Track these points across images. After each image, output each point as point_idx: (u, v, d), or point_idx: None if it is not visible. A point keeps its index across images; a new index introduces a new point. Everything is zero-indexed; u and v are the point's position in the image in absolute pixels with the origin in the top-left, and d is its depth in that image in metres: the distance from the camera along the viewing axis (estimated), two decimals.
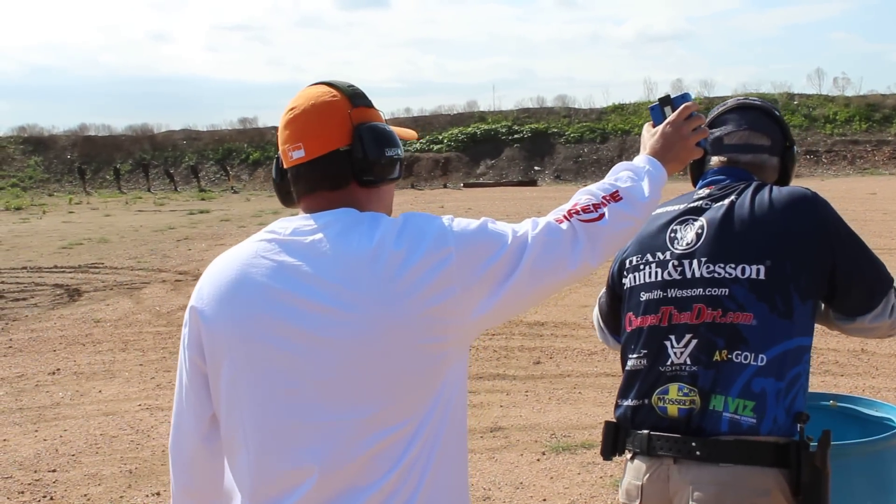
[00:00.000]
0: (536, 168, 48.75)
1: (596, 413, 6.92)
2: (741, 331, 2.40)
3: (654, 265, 2.60)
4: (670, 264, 2.56)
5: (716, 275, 2.47)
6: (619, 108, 54.01)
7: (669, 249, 2.58)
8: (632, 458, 2.59)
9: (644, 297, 2.60)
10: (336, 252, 1.82)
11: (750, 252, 2.45)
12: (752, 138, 2.74)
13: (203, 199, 39.51)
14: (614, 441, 2.64)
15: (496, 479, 5.66)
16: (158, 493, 5.64)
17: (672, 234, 2.60)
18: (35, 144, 53.02)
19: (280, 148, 1.99)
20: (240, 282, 1.89)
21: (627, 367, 2.62)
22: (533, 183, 44.31)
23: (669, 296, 2.54)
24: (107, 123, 58.16)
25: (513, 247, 1.88)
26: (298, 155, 1.93)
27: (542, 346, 9.21)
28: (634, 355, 2.60)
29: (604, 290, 2.93)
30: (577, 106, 56.86)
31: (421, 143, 52.69)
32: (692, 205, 2.63)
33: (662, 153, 2.24)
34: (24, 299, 13.36)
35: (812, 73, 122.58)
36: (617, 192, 2.06)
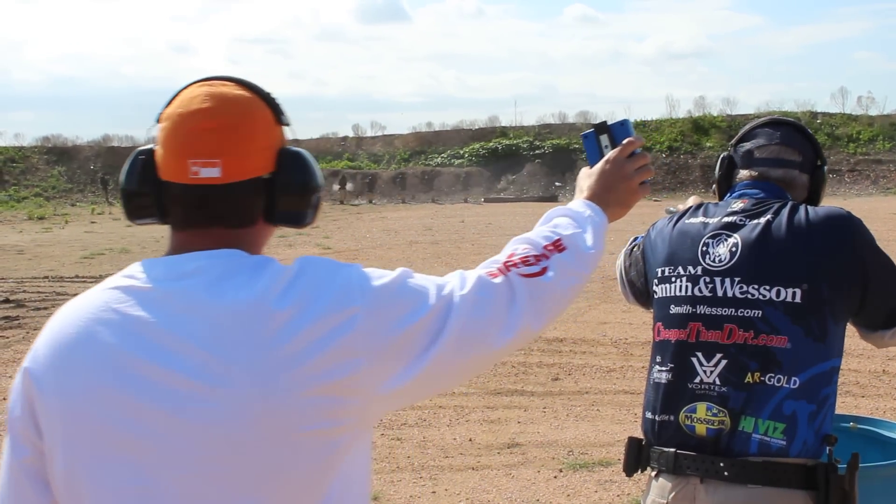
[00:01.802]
0: (557, 184, 48.73)
1: (614, 431, 6.89)
2: (775, 353, 2.39)
3: (684, 279, 2.57)
4: (701, 280, 2.53)
5: (749, 296, 2.45)
6: (641, 125, 53.92)
7: (701, 264, 2.55)
8: (656, 476, 2.55)
9: (673, 310, 2.58)
10: (204, 308, 1.44)
11: (786, 274, 2.43)
12: (783, 153, 2.72)
13: None
14: (637, 457, 2.62)
15: (513, 496, 5.64)
16: None
17: (704, 249, 2.56)
18: (58, 154, 53.40)
19: (173, 156, 1.53)
20: (80, 342, 1.47)
21: (654, 379, 2.61)
22: (554, 199, 44.25)
23: (698, 312, 2.51)
24: (130, 134, 58.46)
25: (437, 307, 1.52)
26: (211, 174, 1.51)
27: (561, 362, 9.17)
28: (662, 368, 2.58)
29: (631, 251, 2.91)
30: (599, 122, 56.87)
31: (442, 157, 52.79)
32: (726, 219, 2.58)
33: (603, 196, 1.90)
34: (45, 308, 13.40)
35: (836, 92, 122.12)
36: (560, 240, 1.74)
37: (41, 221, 33.82)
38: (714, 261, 2.53)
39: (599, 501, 5.51)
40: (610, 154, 1.95)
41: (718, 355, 2.45)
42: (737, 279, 2.47)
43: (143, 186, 1.59)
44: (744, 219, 2.56)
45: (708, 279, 2.52)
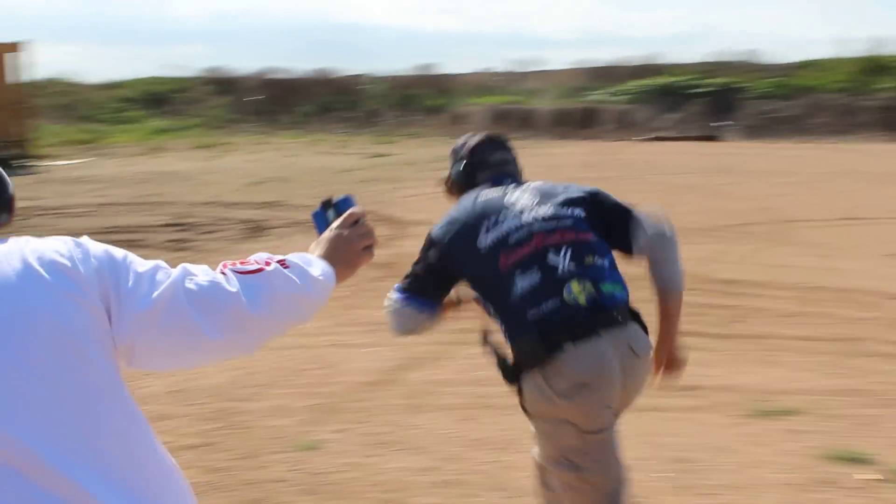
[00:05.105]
0: (720, 123, 47.30)
1: (797, 377, 6.52)
2: (591, 244, 3.37)
3: (511, 218, 3.42)
4: (524, 213, 3.43)
5: (562, 213, 3.43)
6: (808, 65, 51.68)
7: (514, 208, 3.45)
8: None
9: (514, 237, 3.37)
10: None
11: (572, 202, 3.48)
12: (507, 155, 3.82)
13: (382, 143, 39.90)
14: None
15: (697, 441, 5.34)
16: (343, 430, 5.57)
17: (510, 200, 3.48)
18: (221, 86, 54.61)
19: None
20: None
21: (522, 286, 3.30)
22: (714, 138, 42.93)
23: (535, 229, 3.37)
24: (289, 67, 59.21)
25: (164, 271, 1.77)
26: None
27: (738, 304, 8.75)
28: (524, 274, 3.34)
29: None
30: (763, 61, 54.79)
31: (601, 94, 51.87)
32: (508, 189, 3.57)
33: (330, 256, 2.06)
34: (212, 232, 13.67)
35: None
36: (284, 261, 1.88)
37: (205, 150, 34.61)
38: (524, 204, 3.48)
39: (790, 452, 5.17)
40: (334, 223, 2.16)
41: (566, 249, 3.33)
42: (548, 205, 3.46)
43: None
44: (516, 186, 3.62)
45: (528, 210, 3.46)
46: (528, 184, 3.61)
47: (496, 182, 3.63)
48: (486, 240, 3.37)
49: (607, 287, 3.26)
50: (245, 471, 5.01)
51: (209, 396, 6.19)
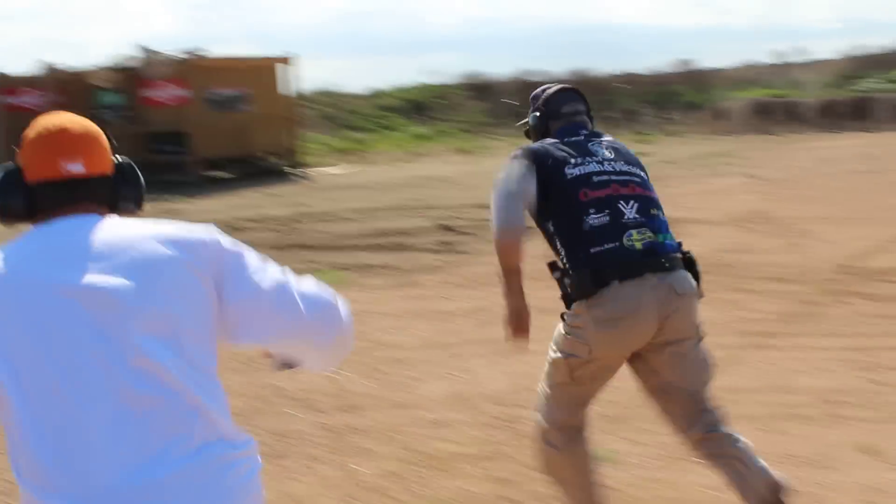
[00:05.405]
0: None
1: None
2: (654, 201, 3.97)
3: (595, 163, 3.97)
4: (604, 163, 3.99)
5: (633, 171, 4.03)
6: None
7: (596, 156, 4.00)
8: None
9: (596, 179, 3.91)
10: None
11: (639, 165, 4.11)
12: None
13: (641, 142, 39.12)
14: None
15: None
16: (633, 441, 5.23)
17: (593, 149, 4.04)
18: (478, 91, 55.38)
19: None
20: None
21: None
22: None
23: (613, 179, 3.94)
24: (544, 69, 59.04)
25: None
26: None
27: None
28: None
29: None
30: None
31: (873, 82, 48.93)
32: (588, 138, 4.11)
33: None
34: (474, 234, 13.63)
35: None
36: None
37: (464, 154, 35.01)
38: (604, 156, 4.08)
39: None
40: None
41: (635, 201, 3.90)
42: (622, 161, 4.07)
43: None
44: (593, 137, 4.16)
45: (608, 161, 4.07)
46: (602, 137, 4.13)
47: (569, 131, 4.10)
48: (572, 171, 3.88)
49: (662, 237, 3.81)
50: (532, 482, 4.76)
51: (490, 403, 6.01)
